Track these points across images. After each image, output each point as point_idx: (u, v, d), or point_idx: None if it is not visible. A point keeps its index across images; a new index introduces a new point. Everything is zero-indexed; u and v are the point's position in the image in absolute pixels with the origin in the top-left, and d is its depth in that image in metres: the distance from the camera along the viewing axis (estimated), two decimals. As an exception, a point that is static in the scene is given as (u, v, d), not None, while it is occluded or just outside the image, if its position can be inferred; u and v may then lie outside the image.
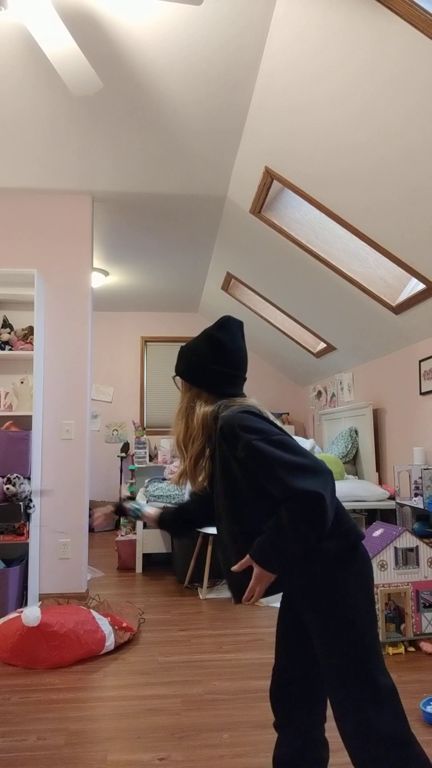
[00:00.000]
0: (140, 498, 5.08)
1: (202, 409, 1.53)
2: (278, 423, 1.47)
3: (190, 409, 1.56)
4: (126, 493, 6.37)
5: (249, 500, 1.41)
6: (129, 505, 1.83)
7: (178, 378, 1.62)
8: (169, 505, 4.81)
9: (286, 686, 1.59)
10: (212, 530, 4.16)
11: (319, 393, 6.76)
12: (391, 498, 4.46)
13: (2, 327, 3.97)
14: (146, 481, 5.65)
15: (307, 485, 1.27)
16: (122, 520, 5.93)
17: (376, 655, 1.38)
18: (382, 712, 1.34)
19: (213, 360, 1.55)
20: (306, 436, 7.37)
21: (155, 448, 7.03)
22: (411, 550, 3.09)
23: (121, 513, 1.84)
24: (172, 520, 1.77)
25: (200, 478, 1.55)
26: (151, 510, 1.82)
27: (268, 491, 1.36)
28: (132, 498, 1.82)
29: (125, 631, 3.19)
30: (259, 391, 7.63)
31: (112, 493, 7.27)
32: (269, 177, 3.61)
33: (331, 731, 2.27)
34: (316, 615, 1.41)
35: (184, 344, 1.64)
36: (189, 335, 7.69)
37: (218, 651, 3.09)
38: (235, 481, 1.43)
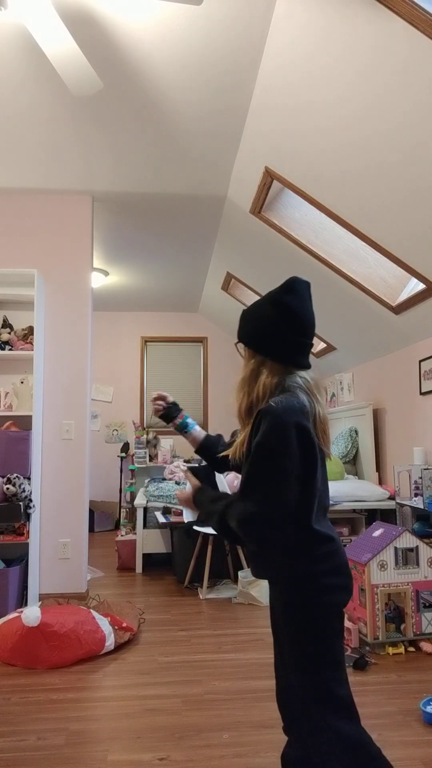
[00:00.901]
0: (140, 498, 5.08)
1: (268, 379, 1.43)
2: (323, 421, 1.43)
3: (254, 378, 1.46)
4: (125, 496, 6.37)
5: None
6: (182, 420, 1.81)
7: (240, 345, 1.52)
8: (171, 505, 4.81)
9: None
10: (212, 530, 4.16)
11: (319, 393, 6.74)
12: (391, 498, 4.46)
13: (2, 327, 3.97)
14: (146, 481, 5.65)
15: (253, 511, 1.30)
16: (123, 520, 5.93)
17: (334, 667, 1.42)
18: (340, 719, 1.38)
19: (279, 326, 1.43)
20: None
21: (155, 448, 7.02)
22: (411, 550, 3.09)
23: (169, 418, 1.81)
24: (211, 448, 1.79)
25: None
26: (198, 429, 1.82)
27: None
28: (170, 417, 1.75)
29: (125, 631, 3.19)
30: (259, 391, 7.61)
31: (112, 493, 7.27)
32: (269, 177, 3.61)
33: (331, 731, 2.26)
34: (284, 626, 1.50)
35: (246, 308, 1.54)
36: (189, 335, 7.71)
37: (218, 651, 3.09)
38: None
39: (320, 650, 1.40)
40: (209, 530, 4.14)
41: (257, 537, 1.34)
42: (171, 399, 1.84)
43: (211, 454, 1.78)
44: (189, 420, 1.83)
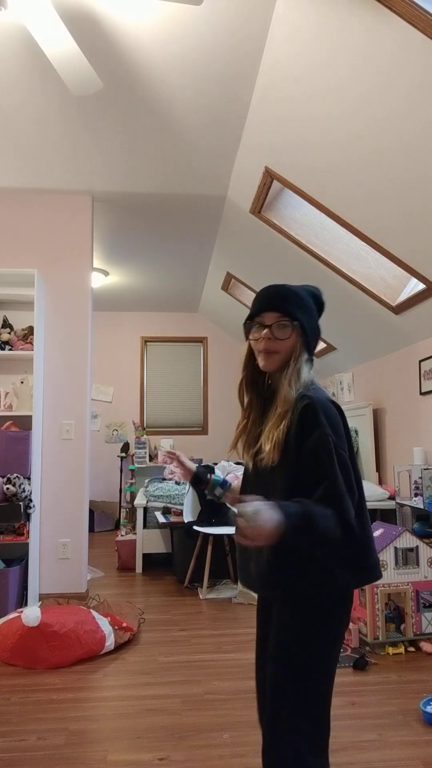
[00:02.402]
0: (140, 498, 5.08)
1: (307, 375, 1.37)
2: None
3: (296, 358, 1.37)
4: (125, 496, 6.37)
5: (287, 496, 1.27)
6: (211, 478, 1.62)
7: (287, 323, 1.37)
8: (171, 505, 4.80)
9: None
10: (212, 530, 4.16)
11: (319, 393, 6.74)
12: (391, 498, 4.46)
13: (2, 327, 3.97)
14: (146, 481, 5.65)
15: (348, 517, 1.22)
16: (123, 520, 5.93)
17: (325, 703, 1.32)
18: (317, 757, 1.29)
19: (316, 319, 1.42)
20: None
21: (155, 448, 7.03)
22: (411, 550, 3.09)
23: (199, 483, 1.62)
24: None
25: (276, 441, 1.32)
26: (236, 483, 1.60)
27: (300, 488, 1.27)
28: (209, 468, 1.50)
29: (125, 631, 3.19)
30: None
31: (112, 493, 7.27)
32: (269, 177, 3.61)
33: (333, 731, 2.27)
34: (281, 637, 1.35)
35: (292, 288, 1.41)
36: (189, 335, 7.71)
37: (218, 651, 3.09)
38: (287, 461, 1.31)
39: (316, 679, 1.31)
40: (209, 530, 4.14)
41: (352, 539, 1.24)
42: (184, 458, 1.66)
43: None
44: (219, 475, 1.64)
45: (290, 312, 1.37)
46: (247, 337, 1.44)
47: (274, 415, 1.34)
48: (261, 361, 1.40)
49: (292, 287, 1.42)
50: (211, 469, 1.64)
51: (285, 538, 1.18)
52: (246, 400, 1.48)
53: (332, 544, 1.24)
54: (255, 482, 1.42)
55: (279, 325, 1.36)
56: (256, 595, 4.06)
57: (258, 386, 1.47)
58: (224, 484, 1.62)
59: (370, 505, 4.48)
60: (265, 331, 1.37)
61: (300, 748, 1.28)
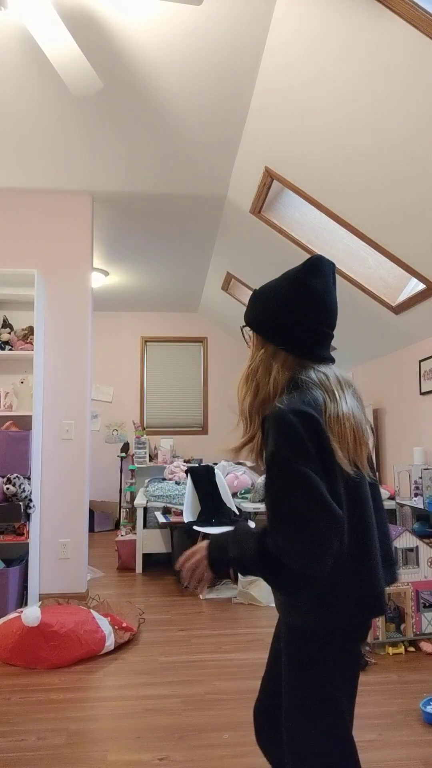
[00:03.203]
0: (140, 498, 5.08)
1: (281, 375, 1.21)
2: (348, 419, 1.16)
3: (264, 370, 1.24)
4: (125, 496, 6.37)
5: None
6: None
7: (247, 329, 1.28)
8: (171, 505, 4.81)
9: (263, 715, 1.41)
10: (212, 530, 4.16)
11: (319, 393, 6.74)
12: (391, 498, 4.46)
13: (2, 327, 3.97)
14: (146, 481, 5.66)
15: (286, 546, 1.05)
16: (123, 520, 5.93)
17: (334, 745, 1.19)
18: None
19: (298, 310, 1.21)
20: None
21: (155, 448, 7.03)
22: (411, 550, 3.09)
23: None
24: None
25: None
26: None
27: None
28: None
29: (125, 631, 3.19)
30: (259, 391, 7.62)
31: (112, 493, 7.27)
32: (269, 177, 3.61)
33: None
34: (288, 663, 1.22)
35: (259, 288, 1.30)
36: (189, 335, 7.71)
37: (218, 651, 3.09)
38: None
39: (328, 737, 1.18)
40: (209, 530, 4.14)
41: (293, 585, 1.09)
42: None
43: None
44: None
45: (247, 319, 1.29)
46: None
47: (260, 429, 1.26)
48: None
49: (259, 287, 1.32)
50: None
51: (218, 564, 1.19)
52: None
53: (272, 574, 1.08)
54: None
55: (247, 339, 1.31)
56: (256, 596, 4.04)
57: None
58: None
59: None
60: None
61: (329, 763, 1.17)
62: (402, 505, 3.95)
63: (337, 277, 4.15)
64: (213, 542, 1.20)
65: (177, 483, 5.24)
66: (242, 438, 1.30)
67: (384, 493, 4.53)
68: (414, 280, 3.79)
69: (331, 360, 1.26)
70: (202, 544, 1.22)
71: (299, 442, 1.08)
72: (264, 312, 1.25)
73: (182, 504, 4.74)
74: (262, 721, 1.42)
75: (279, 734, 1.29)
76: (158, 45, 2.70)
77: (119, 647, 3.11)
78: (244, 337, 1.31)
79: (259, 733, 1.44)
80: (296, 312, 1.21)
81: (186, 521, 4.41)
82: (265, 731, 1.42)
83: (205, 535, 4.22)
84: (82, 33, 2.60)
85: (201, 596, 4.07)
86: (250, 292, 5.85)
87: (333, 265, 1.27)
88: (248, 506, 4.49)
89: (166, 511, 4.82)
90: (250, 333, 1.29)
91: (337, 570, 1.11)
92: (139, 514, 4.83)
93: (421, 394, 4.20)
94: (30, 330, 3.95)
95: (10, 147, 3.58)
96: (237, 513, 4.56)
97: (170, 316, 7.70)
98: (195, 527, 4.25)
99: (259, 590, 3.90)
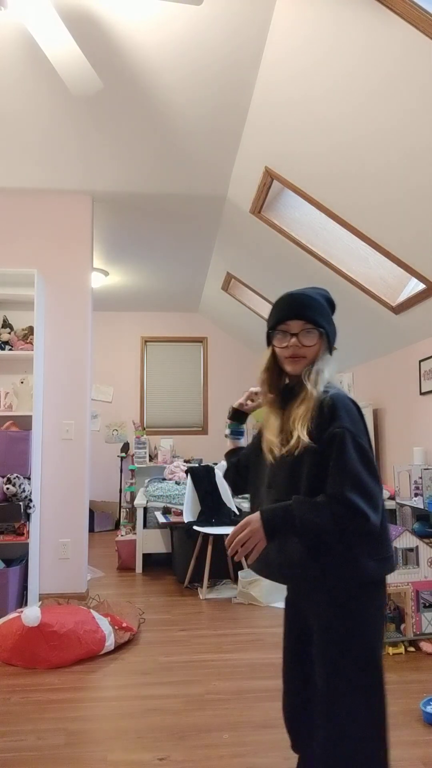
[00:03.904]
0: (140, 498, 5.08)
1: (326, 370, 1.50)
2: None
3: (322, 361, 1.51)
4: (125, 496, 6.37)
5: (311, 480, 1.37)
6: (234, 427, 1.80)
7: (310, 329, 1.50)
8: (171, 505, 4.81)
9: (300, 711, 1.51)
10: (212, 530, 4.16)
11: (319, 393, 6.75)
12: (391, 498, 4.45)
13: (2, 327, 3.97)
14: (146, 481, 5.66)
15: (360, 503, 1.28)
16: (123, 520, 5.94)
17: (381, 689, 1.37)
18: (380, 744, 1.36)
19: (332, 320, 1.57)
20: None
21: (155, 448, 7.04)
22: (411, 550, 3.09)
23: (243, 419, 1.80)
24: (233, 465, 1.77)
25: (296, 438, 1.40)
26: (235, 443, 1.79)
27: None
28: (241, 418, 1.79)
29: (125, 631, 3.19)
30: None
31: (112, 493, 7.27)
32: (269, 177, 3.61)
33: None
34: (328, 635, 1.38)
35: (310, 294, 1.56)
36: (189, 335, 7.71)
37: (218, 651, 3.09)
38: (304, 457, 1.38)
39: (371, 666, 1.38)
40: (209, 530, 4.14)
41: (360, 535, 1.33)
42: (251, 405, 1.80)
43: (237, 461, 1.76)
44: (239, 428, 1.83)
45: (314, 320, 1.50)
46: (269, 344, 1.56)
47: (302, 408, 1.43)
48: (288, 366, 1.52)
49: (309, 294, 1.55)
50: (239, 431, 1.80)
51: (280, 534, 1.35)
52: (269, 398, 1.58)
53: (339, 533, 1.30)
54: (275, 470, 1.48)
55: (305, 333, 1.49)
56: (256, 596, 4.02)
57: (279, 386, 1.58)
58: (241, 434, 1.81)
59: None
60: (293, 339, 1.49)
61: (365, 736, 1.34)
62: (402, 505, 3.95)
63: (337, 277, 4.16)
64: (266, 511, 1.36)
65: (177, 483, 5.24)
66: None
67: (384, 492, 4.53)
68: (414, 280, 3.78)
69: None
70: (252, 517, 1.37)
71: (357, 421, 1.39)
72: (327, 317, 1.60)
73: (182, 504, 4.74)
74: (299, 722, 1.51)
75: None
76: (158, 45, 2.70)
77: (119, 647, 3.11)
78: (299, 334, 1.54)
79: (298, 734, 1.52)
80: (332, 324, 1.61)
81: (186, 521, 4.41)
82: (304, 730, 1.49)
83: (206, 535, 4.22)
84: (82, 33, 2.60)
85: (201, 596, 4.07)
86: (250, 292, 5.87)
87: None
88: (248, 506, 4.49)
89: (166, 511, 4.82)
90: (312, 333, 1.54)
91: (383, 528, 1.39)
92: (139, 514, 4.83)
93: (421, 394, 4.20)
94: (30, 330, 3.95)
95: (10, 147, 3.58)
96: (237, 513, 4.56)
97: (170, 316, 7.70)
98: (195, 527, 4.25)
99: (259, 590, 3.90)
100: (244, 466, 1.69)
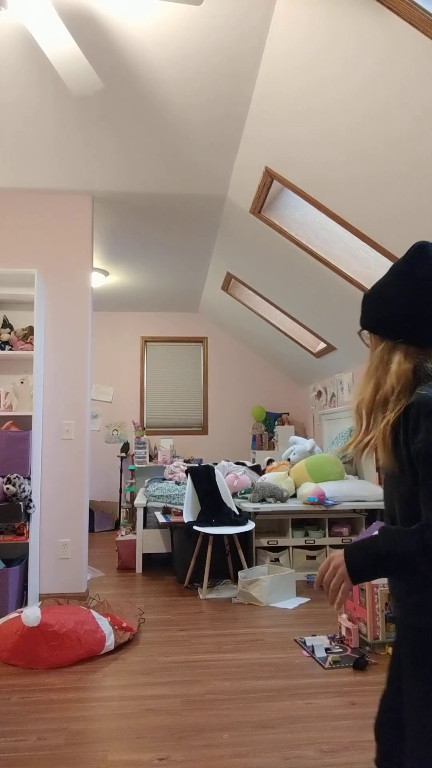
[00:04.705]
0: (140, 498, 5.08)
1: (402, 366, 1.19)
2: None
3: (384, 366, 1.22)
4: (125, 496, 6.37)
5: (410, 497, 1.17)
6: None
7: (365, 333, 1.30)
8: (171, 505, 4.81)
9: (394, 722, 1.33)
10: (212, 530, 4.16)
11: (319, 393, 6.76)
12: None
13: (2, 327, 3.97)
14: (146, 481, 5.66)
15: None
16: (123, 520, 5.93)
17: None
18: None
19: (411, 302, 1.20)
20: (306, 436, 7.37)
21: (155, 448, 7.04)
22: None
23: None
24: None
25: (390, 450, 1.20)
26: None
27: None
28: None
29: (125, 631, 3.19)
30: (260, 391, 7.63)
31: (112, 493, 7.27)
32: (269, 177, 3.61)
33: (333, 731, 2.27)
34: (415, 689, 1.16)
35: (369, 289, 1.31)
36: (189, 335, 7.71)
37: (218, 651, 3.09)
38: (404, 470, 1.18)
39: None
40: (209, 530, 4.14)
41: None
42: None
43: None
44: None
45: (363, 323, 1.31)
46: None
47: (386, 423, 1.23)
48: None
49: (368, 290, 1.32)
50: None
51: (366, 572, 1.14)
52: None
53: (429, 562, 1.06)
54: (385, 489, 1.33)
55: (366, 342, 1.31)
56: (256, 596, 4.01)
57: None
58: None
59: (370, 505, 4.49)
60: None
61: None
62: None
63: (337, 277, 4.16)
64: (350, 547, 1.17)
65: (177, 483, 5.24)
66: (354, 437, 1.29)
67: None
68: (414, 280, 3.78)
69: None
70: (336, 553, 1.17)
71: None
72: (377, 311, 1.26)
73: (182, 504, 4.74)
74: (385, 735, 1.38)
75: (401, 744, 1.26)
76: (158, 45, 2.70)
77: (119, 647, 3.11)
78: (363, 341, 1.32)
79: (382, 747, 1.38)
80: (408, 302, 1.21)
81: (186, 521, 4.41)
82: (389, 743, 1.36)
83: (206, 535, 4.22)
84: (82, 33, 2.60)
85: (201, 596, 4.08)
86: (250, 292, 5.87)
87: None
88: (248, 506, 4.49)
89: (166, 511, 4.82)
90: (368, 336, 1.30)
91: None
92: (139, 514, 4.83)
93: (421, 394, 4.21)
94: (30, 330, 3.95)
95: (10, 147, 3.58)
96: (237, 513, 4.56)
97: (170, 316, 7.71)
98: (195, 527, 4.25)
99: (260, 590, 3.90)
100: None
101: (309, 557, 4.52)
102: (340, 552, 1.17)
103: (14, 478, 3.53)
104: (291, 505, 4.52)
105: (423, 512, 1.09)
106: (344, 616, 3.17)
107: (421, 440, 1.10)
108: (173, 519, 4.61)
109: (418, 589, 1.15)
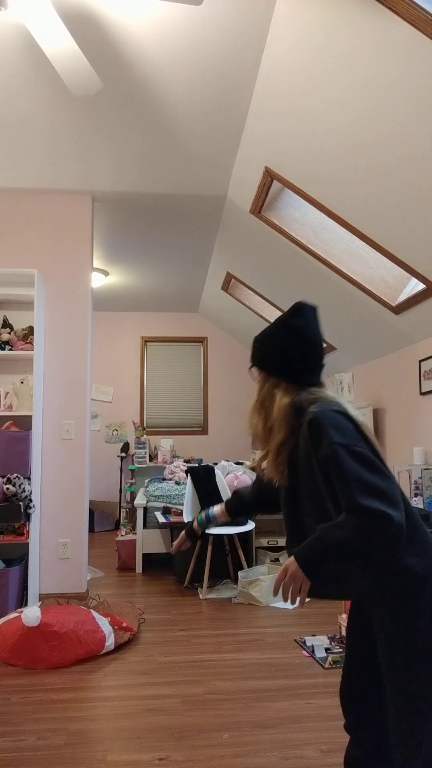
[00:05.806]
0: (140, 498, 5.08)
1: (282, 400, 1.47)
2: (364, 425, 1.42)
3: (269, 400, 1.51)
4: (125, 496, 6.37)
5: (328, 501, 1.36)
6: (195, 523, 1.81)
7: (254, 369, 1.57)
8: (171, 505, 4.81)
9: (359, 689, 1.54)
10: (212, 530, 4.16)
11: (319, 393, 6.74)
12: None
13: (2, 327, 3.97)
14: (146, 481, 5.66)
15: (376, 505, 1.23)
16: (123, 520, 5.93)
17: None
18: None
19: (291, 348, 1.50)
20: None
21: (155, 448, 7.04)
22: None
23: (194, 535, 1.82)
24: (239, 506, 1.78)
25: (280, 470, 1.46)
26: (216, 508, 1.80)
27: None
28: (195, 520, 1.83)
29: (125, 631, 3.19)
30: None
31: (112, 493, 7.27)
32: (269, 177, 3.61)
33: (333, 731, 2.27)
34: (388, 635, 1.35)
35: (257, 334, 1.60)
36: (189, 335, 7.72)
37: (218, 651, 3.09)
38: (316, 479, 1.38)
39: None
40: (209, 530, 4.14)
41: (390, 536, 1.24)
42: (182, 535, 1.83)
43: (244, 508, 1.79)
44: (202, 516, 1.82)
45: (253, 361, 1.58)
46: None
47: (273, 448, 1.48)
48: None
49: (258, 334, 1.59)
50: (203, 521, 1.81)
51: (318, 567, 1.31)
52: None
53: (369, 541, 1.25)
54: (285, 505, 1.52)
55: (255, 377, 1.58)
56: (256, 596, 4.02)
57: None
58: (209, 518, 1.80)
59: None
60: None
61: None
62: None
63: (337, 277, 4.16)
64: (296, 552, 1.33)
65: (177, 483, 5.24)
66: (262, 454, 1.56)
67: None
68: (414, 280, 3.78)
69: (321, 384, 1.53)
70: (289, 561, 1.34)
71: (348, 429, 1.35)
72: (264, 352, 1.55)
73: (182, 504, 4.74)
74: (351, 702, 1.57)
75: (370, 712, 1.50)
76: (158, 45, 2.70)
77: (119, 647, 3.11)
78: (252, 376, 1.60)
79: (349, 713, 1.56)
80: (286, 348, 1.51)
81: (186, 521, 4.41)
82: (355, 711, 1.55)
83: (206, 536, 4.22)
84: (82, 33, 2.60)
85: (201, 596, 4.08)
86: (250, 292, 5.87)
87: (314, 308, 1.56)
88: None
89: (166, 511, 4.82)
90: (256, 373, 1.57)
91: (412, 519, 1.35)
92: (139, 514, 4.83)
93: (421, 394, 4.20)
94: (30, 330, 3.95)
95: (10, 147, 3.58)
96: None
97: (170, 316, 7.71)
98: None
99: (260, 590, 3.90)
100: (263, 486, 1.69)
101: (309, 557, 4.52)
102: (292, 559, 1.33)
103: (14, 478, 3.53)
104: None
105: (342, 503, 1.28)
106: (344, 616, 3.17)
107: (326, 446, 1.32)
108: (173, 519, 4.61)
109: (375, 563, 1.32)
